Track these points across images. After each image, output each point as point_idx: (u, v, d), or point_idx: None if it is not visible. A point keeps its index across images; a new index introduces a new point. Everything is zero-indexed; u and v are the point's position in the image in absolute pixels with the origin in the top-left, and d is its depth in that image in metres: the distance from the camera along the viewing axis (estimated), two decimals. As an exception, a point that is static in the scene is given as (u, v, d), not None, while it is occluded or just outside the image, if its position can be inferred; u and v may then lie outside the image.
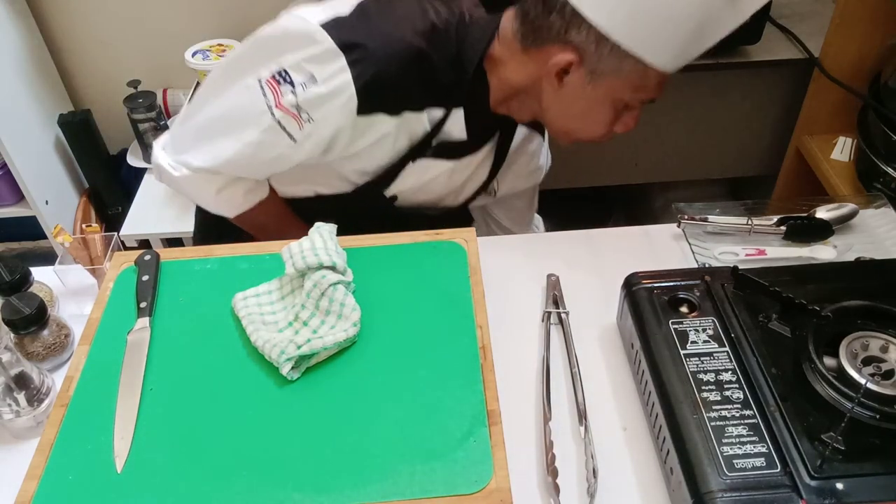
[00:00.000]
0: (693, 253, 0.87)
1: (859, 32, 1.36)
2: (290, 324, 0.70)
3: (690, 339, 0.69)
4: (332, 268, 0.72)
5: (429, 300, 0.74)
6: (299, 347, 0.66)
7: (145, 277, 0.76)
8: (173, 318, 0.74)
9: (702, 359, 0.67)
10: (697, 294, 0.73)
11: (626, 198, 1.99)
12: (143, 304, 0.73)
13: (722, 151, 1.69)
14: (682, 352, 0.68)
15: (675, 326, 0.70)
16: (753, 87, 1.57)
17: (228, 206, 0.92)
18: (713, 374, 0.66)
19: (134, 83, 1.70)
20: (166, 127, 1.72)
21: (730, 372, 0.66)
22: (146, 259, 0.78)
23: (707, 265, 0.84)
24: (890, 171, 1.26)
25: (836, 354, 0.67)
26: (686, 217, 0.91)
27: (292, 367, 0.66)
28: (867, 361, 0.67)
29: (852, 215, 0.94)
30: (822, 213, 0.94)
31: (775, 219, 0.92)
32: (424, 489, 0.59)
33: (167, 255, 0.80)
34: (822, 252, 0.88)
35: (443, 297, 0.74)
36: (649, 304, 0.73)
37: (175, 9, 1.73)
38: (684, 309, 0.72)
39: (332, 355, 0.69)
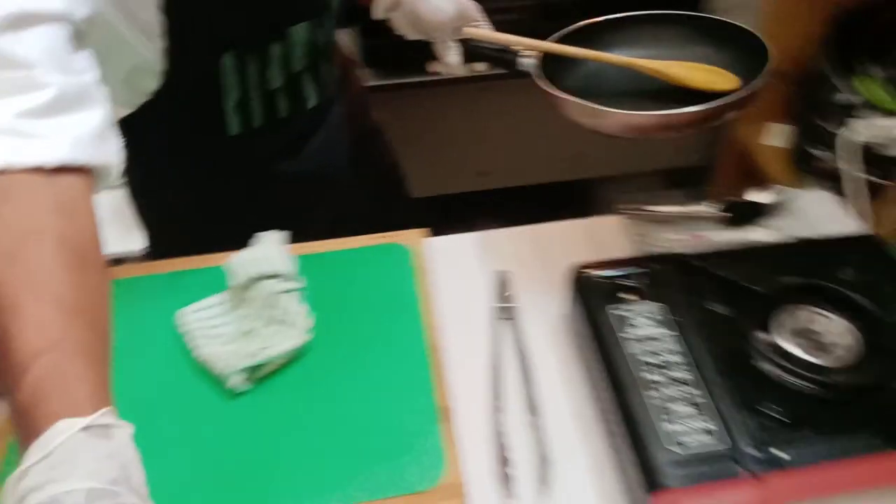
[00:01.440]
0: (635, 242, 0.89)
1: (790, 22, 1.41)
2: (239, 335, 0.70)
3: (634, 323, 0.71)
4: (281, 276, 0.71)
5: (377, 303, 0.75)
6: (249, 359, 0.65)
7: (86, 297, 0.74)
8: (118, 338, 0.71)
9: (646, 342, 0.69)
10: (640, 280, 0.75)
11: (570, 194, 2.03)
12: (84, 326, 0.72)
13: (662, 143, 1.74)
14: (626, 337, 0.70)
15: (620, 313, 0.72)
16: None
17: None
18: (657, 356, 0.68)
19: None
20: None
21: (673, 353, 0.68)
22: (86, 279, 0.76)
23: (650, 253, 0.86)
24: (821, 153, 1.31)
25: (774, 330, 0.69)
26: (628, 208, 0.93)
27: (243, 379, 0.66)
28: (801, 334, 0.70)
29: (787, 198, 0.97)
30: (758, 197, 0.97)
31: (714, 205, 0.94)
32: (379, 490, 0.59)
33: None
34: (759, 234, 0.91)
35: (391, 299, 0.75)
36: (595, 292, 0.74)
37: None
38: (629, 295, 0.74)
39: (284, 364, 0.69)
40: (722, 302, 0.73)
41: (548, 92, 0.77)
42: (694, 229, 0.92)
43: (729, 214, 0.93)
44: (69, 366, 0.44)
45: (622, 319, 0.71)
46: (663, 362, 0.67)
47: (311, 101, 0.88)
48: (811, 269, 0.75)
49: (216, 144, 0.84)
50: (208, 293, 0.75)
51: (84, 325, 0.46)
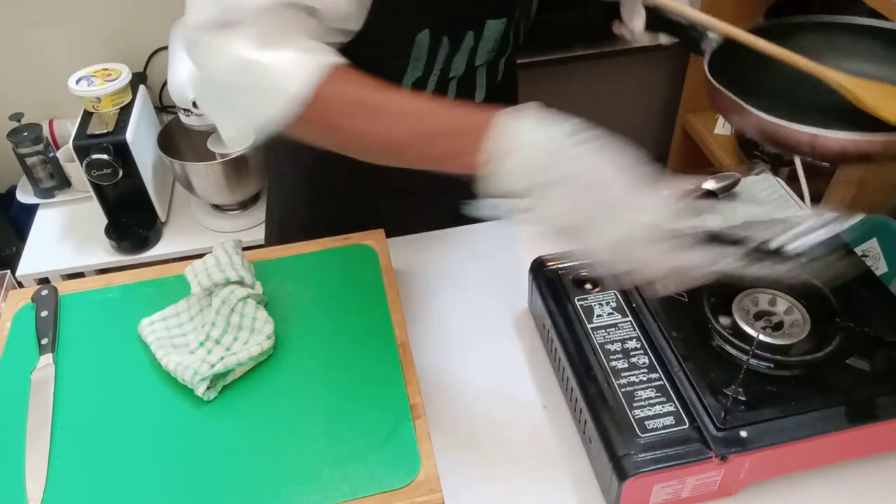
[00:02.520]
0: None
1: (728, 14, 1.44)
2: (201, 344, 0.69)
3: (595, 313, 0.73)
4: (240, 282, 0.71)
5: (344, 305, 0.75)
6: (213, 366, 0.65)
7: (44, 313, 0.73)
8: (78, 351, 0.71)
9: (607, 330, 0.71)
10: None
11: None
12: (44, 341, 0.71)
13: (622, 134, 1.77)
14: (588, 326, 0.71)
15: (581, 303, 0.73)
16: (637, 71, 1.65)
17: (285, 83, 0.59)
18: (619, 344, 0.69)
19: (16, 116, 1.62)
20: (56, 159, 1.65)
21: (634, 340, 0.70)
22: (43, 294, 0.75)
23: None
24: (766, 140, 1.34)
25: (731, 313, 0.71)
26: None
27: (208, 387, 0.66)
28: (759, 316, 0.72)
29: (736, 183, 1.00)
30: (709, 184, 0.99)
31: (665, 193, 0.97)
32: (355, 490, 0.59)
33: (66, 287, 0.77)
34: (710, 220, 0.93)
35: (357, 300, 0.75)
36: (555, 284, 0.76)
37: (54, 38, 1.66)
38: (588, 286, 0.76)
39: (250, 369, 0.69)
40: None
41: (717, 91, 0.66)
42: (649, 218, 0.94)
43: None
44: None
45: (588, 310, 0.73)
46: (626, 349, 0.69)
47: (479, 96, 0.88)
48: (762, 251, 0.76)
49: None
50: (169, 302, 0.74)
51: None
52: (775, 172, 1.06)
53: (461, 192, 1.02)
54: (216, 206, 1.67)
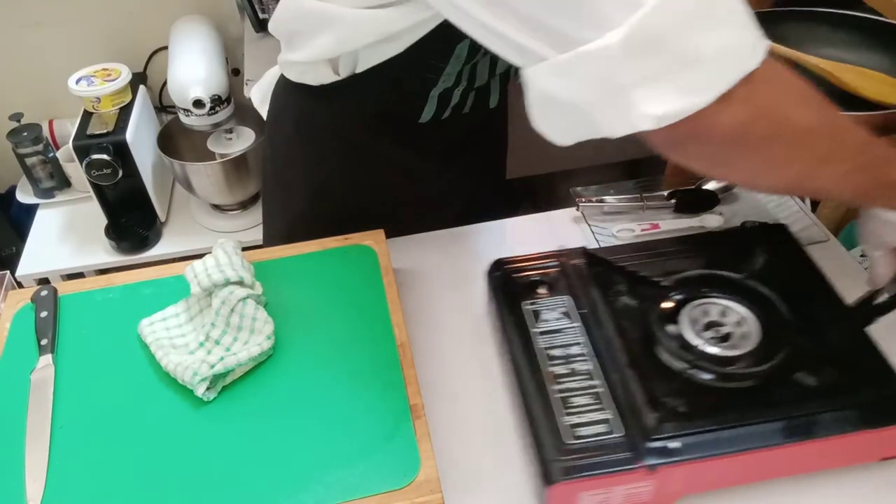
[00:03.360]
0: (593, 233, 0.91)
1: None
2: (201, 344, 0.69)
3: (544, 317, 0.71)
4: (240, 283, 0.71)
5: (343, 305, 0.75)
6: (213, 367, 0.65)
7: (44, 314, 0.73)
8: (78, 352, 0.71)
9: (553, 335, 0.69)
10: (554, 275, 0.75)
11: (531, 188, 2.05)
12: (43, 342, 0.71)
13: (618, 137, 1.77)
14: (535, 330, 0.70)
15: (531, 307, 0.72)
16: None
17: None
18: (563, 349, 0.68)
19: (16, 116, 1.62)
20: (56, 159, 1.65)
21: (579, 345, 0.68)
22: (43, 295, 0.75)
23: (562, 248, 0.87)
24: (767, 140, 1.34)
25: (676, 321, 0.70)
26: (583, 200, 0.95)
27: (207, 388, 0.66)
28: (708, 326, 0.70)
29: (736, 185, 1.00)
30: (709, 184, 1.00)
31: (666, 193, 0.97)
32: (355, 490, 0.59)
33: (65, 288, 0.77)
34: (711, 220, 0.93)
35: (357, 300, 0.75)
36: (509, 287, 0.74)
37: (54, 38, 1.66)
38: (542, 290, 0.74)
39: (250, 370, 0.69)
40: (631, 295, 0.74)
41: None
42: (648, 219, 0.95)
43: (681, 203, 0.95)
44: None
45: (535, 314, 0.71)
46: (568, 355, 0.67)
47: (493, 102, 0.87)
48: (720, 261, 0.75)
49: (403, 131, 0.84)
50: (170, 302, 0.74)
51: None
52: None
53: (463, 196, 1.02)
54: (216, 206, 1.67)
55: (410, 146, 0.88)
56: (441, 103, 0.82)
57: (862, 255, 1.13)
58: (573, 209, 0.96)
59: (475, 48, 0.72)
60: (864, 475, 0.66)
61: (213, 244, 0.76)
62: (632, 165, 1.97)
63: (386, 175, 0.90)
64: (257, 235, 1.64)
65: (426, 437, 0.63)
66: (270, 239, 1.10)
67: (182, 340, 0.71)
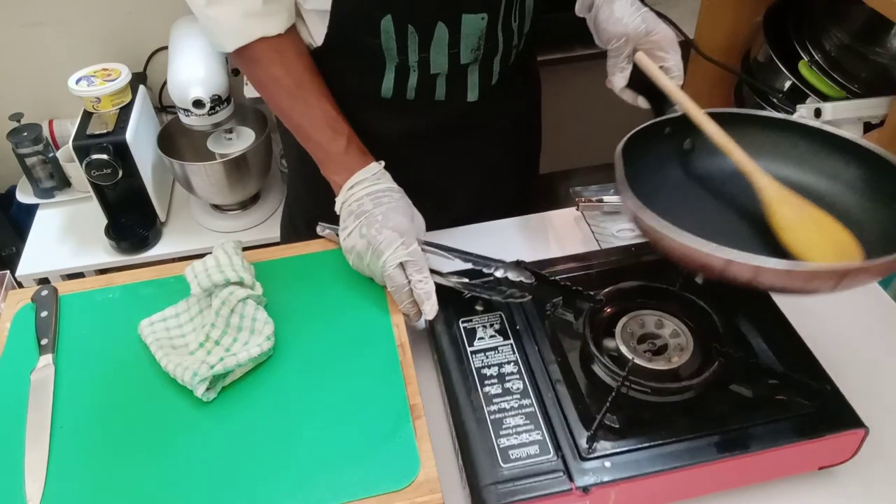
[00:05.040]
0: (592, 233, 0.91)
1: (728, 13, 1.45)
2: (201, 344, 0.69)
3: (478, 335, 0.70)
4: (240, 283, 0.71)
5: (343, 305, 0.75)
6: (212, 367, 0.65)
7: (44, 313, 0.73)
8: (78, 352, 0.71)
9: (487, 354, 0.68)
10: (486, 290, 0.73)
11: (531, 189, 2.05)
12: (44, 342, 0.71)
13: (618, 135, 1.77)
14: (468, 349, 0.68)
15: (465, 325, 0.71)
16: (637, 72, 1.64)
17: (222, 31, 0.77)
18: (496, 368, 0.66)
19: (16, 116, 1.62)
20: (56, 159, 1.66)
21: (512, 364, 0.67)
22: (43, 294, 0.75)
23: (608, 244, 0.87)
24: (767, 139, 1.34)
25: (611, 335, 0.68)
26: (583, 200, 0.95)
27: (207, 388, 0.66)
28: (643, 339, 0.69)
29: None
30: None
31: (666, 193, 0.97)
32: (355, 491, 0.59)
33: (66, 288, 0.77)
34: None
35: (357, 300, 0.75)
36: (443, 305, 0.72)
37: (54, 38, 1.66)
38: (477, 307, 0.73)
39: (250, 370, 0.69)
40: (566, 309, 0.73)
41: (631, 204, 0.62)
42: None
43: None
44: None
45: (472, 332, 0.70)
46: (501, 374, 0.66)
47: (471, 96, 0.88)
48: (659, 273, 0.73)
49: (365, 104, 0.87)
50: (170, 303, 0.74)
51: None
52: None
53: (466, 195, 1.02)
54: (216, 206, 1.67)
55: (391, 125, 0.89)
56: (399, 84, 0.84)
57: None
58: (573, 209, 0.96)
59: (401, 24, 0.78)
60: (804, 485, 0.65)
61: (214, 244, 0.76)
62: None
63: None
64: (257, 235, 1.64)
65: (426, 437, 0.63)
66: (284, 234, 1.12)
67: (182, 341, 0.71)
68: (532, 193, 1.16)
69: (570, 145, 1.80)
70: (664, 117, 0.74)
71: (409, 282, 0.71)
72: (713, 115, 0.72)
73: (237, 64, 0.83)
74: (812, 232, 0.63)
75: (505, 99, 0.93)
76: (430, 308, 0.70)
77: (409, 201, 0.78)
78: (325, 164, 0.81)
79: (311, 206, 0.98)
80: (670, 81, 0.77)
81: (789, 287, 0.56)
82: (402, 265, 0.71)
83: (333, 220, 0.81)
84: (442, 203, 0.96)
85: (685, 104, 0.73)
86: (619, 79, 0.82)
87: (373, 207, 0.74)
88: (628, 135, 0.70)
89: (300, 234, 1.02)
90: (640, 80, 0.81)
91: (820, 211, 0.65)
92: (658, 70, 0.78)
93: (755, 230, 0.66)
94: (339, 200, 0.78)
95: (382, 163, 0.80)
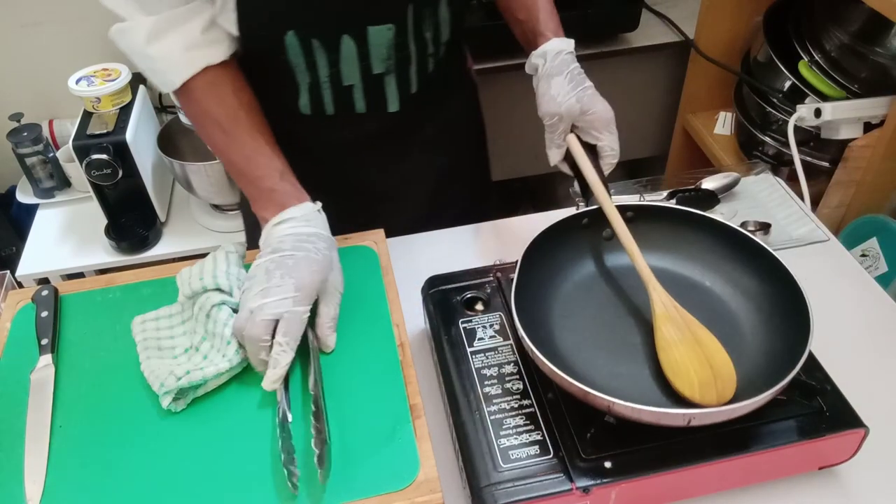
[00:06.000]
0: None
1: (728, 13, 1.45)
2: (186, 350, 0.69)
3: (478, 336, 0.69)
4: (217, 289, 0.70)
5: (343, 305, 0.74)
6: (179, 379, 0.64)
7: (44, 313, 0.73)
8: (78, 352, 0.71)
9: (486, 354, 0.68)
10: (488, 291, 0.73)
11: (531, 189, 2.05)
12: (44, 342, 0.71)
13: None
14: (468, 350, 0.68)
15: (465, 325, 0.70)
16: (637, 71, 1.64)
17: (167, 69, 0.75)
18: (496, 369, 0.66)
19: (16, 116, 1.62)
20: (56, 159, 1.65)
21: (512, 364, 0.67)
22: (44, 294, 0.75)
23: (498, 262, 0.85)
24: (766, 139, 1.35)
25: None
26: (582, 200, 0.94)
27: (175, 398, 0.65)
28: None
29: (736, 183, 1.00)
30: (709, 183, 1.00)
31: (666, 193, 0.97)
32: (355, 491, 0.59)
33: (66, 288, 0.77)
34: (711, 220, 0.93)
35: (358, 300, 0.75)
36: (443, 306, 0.73)
37: (54, 38, 1.66)
38: (477, 307, 0.73)
39: (250, 370, 0.69)
40: None
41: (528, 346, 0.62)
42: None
43: (681, 202, 0.95)
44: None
45: (471, 333, 0.70)
46: (500, 374, 0.66)
47: (392, 106, 0.88)
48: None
49: (291, 120, 0.86)
50: (169, 303, 0.74)
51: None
52: (775, 172, 1.06)
53: (416, 199, 1.02)
54: (216, 206, 1.67)
55: (321, 138, 0.89)
56: (315, 99, 0.84)
57: (862, 255, 1.13)
58: (572, 209, 0.96)
59: (305, 39, 0.78)
60: (804, 485, 0.66)
61: (214, 245, 0.75)
62: (632, 165, 1.97)
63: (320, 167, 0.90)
64: (257, 235, 1.64)
65: (426, 437, 0.62)
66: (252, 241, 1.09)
67: (169, 343, 0.70)
68: (490, 196, 1.15)
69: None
70: (580, 210, 0.76)
71: (272, 341, 0.65)
72: (631, 208, 0.74)
73: (179, 99, 0.79)
74: (684, 356, 0.63)
75: (430, 107, 0.93)
76: (273, 378, 0.65)
77: (334, 255, 0.73)
78: (256, 200, 0.75)
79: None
80: (592, 171, 0.77)
81: (643, 420, 0.58)
82: (276, 322, 0.66)
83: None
84: (396, 207, 0.96)
85: (599, 196, 0.74)
86: (554, 154, 0.82)
87: (290, 251, 0.68)
88: (539, 232, 0.71)
89: None
90: (567, 157, 0.82)
91: (704, 332, 0.65)
92: (584, 157, 0.78)
93: (649, 338, 0.67)
94: (262, 237, 0.72)
95: (319, 204, 0.74)
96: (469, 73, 1.04)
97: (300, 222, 0.71)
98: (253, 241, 1.06)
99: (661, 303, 0.67)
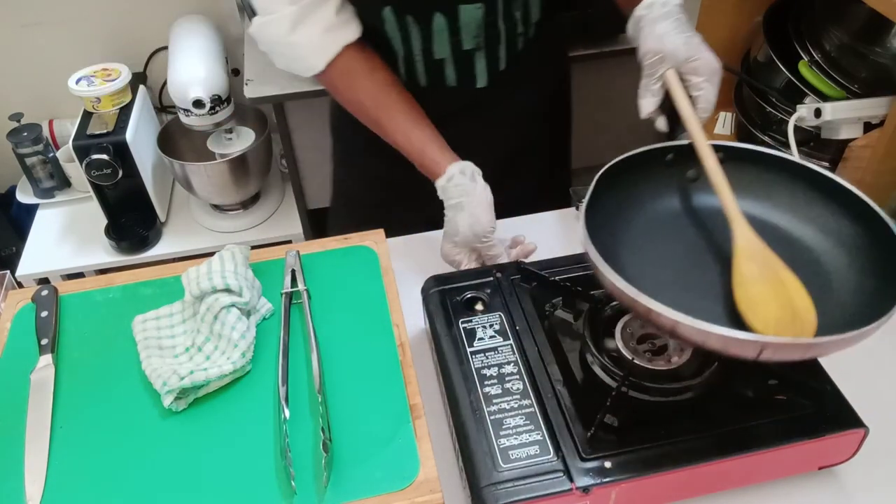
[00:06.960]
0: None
1: (727, 13, 1.45)
2: (187, 349, 0.69)
3: (478, 336, 0.69)
4: (227, 290, 0.70)
5: (344, 305, 0.75)
6: (182, 379, 0.64)
7: (44, 313, 0.73)
8: (78, 351, 0.71)
9: (487, 354, 0.68)
10: (488, 291, 0.73)
11: (561, 182, 2.05)
12: (44, 342, 0.71)
13: (618, 135, 1.77)
14: (468, 350, 0.68)
15: (465, 325, 0.70)
16: (637, 72, 1.64)
17: (310, 54, 0.83)
18: (496, 369, 0.66)
19: (16, 116, 1.62)
20: (56, 159, 1.65)
21: (512, 364, 0.66)
22: (44, 294, 0.75)
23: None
24: (766, 139, 1.35)
25: (611, 336, 0.68)
26: (583, 200, 0.94)
27: (177, 398, 0.65)
28: (643, 339, 0.68)
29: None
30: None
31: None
32: (356, 491, 0.59)
33: (66, 288, 0.77)
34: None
35: (358, 300, 0.75)
36: (443, 306, 0.72)
37: (54, 38, 1.66)
38: (477, 307, 0.72)
39: (250, 370, 0.69)
40: (566, 309, 0.72)
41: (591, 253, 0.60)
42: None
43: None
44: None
45: (471, 333, 0.70)
46: (500, 374, 0.66)
47: (480, 82, 0.92)
48: None
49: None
50: (169, 303, 0.74)
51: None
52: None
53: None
54: (216, 206, 1.67)
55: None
56: (409, 71, 0.90)
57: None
58: (573, 209, 0.96)
59: (401, 15, 0.83)
60: (804, 485, 0.66)
61: (214, 245, 0.75)
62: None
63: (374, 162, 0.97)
64: (258, 235, 1.64)
65: (426, 437, 0.63)
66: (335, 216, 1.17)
67: (170, 342, 0.70)
68: (566, 180, 1.20)
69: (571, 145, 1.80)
70: (666, 144, 0.71)
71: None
72: (723, 149, 0.69)
73: (325, 86, 0.88)
74: (764, 294, 0.60)
75: (516, 85, 0.96)
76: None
77: (488, 194, 0.83)
78: (422, 166, 0.85)
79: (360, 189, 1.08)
80: (689, 106, 0.72)
81: (708, 345, 0.55)
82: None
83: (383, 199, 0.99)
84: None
85: (693, 132, 0.70)
86: (647, 102, 0.77)
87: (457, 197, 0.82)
88: (620, 157, 0.68)
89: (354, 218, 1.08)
90: (667, 107, 0.76)
91: (787, 274, 0.62)
92: (682, 93, 0.73)
93: (725, 277, 0.64)
94: (439, 191, 0.84)
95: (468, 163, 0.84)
96: (564, 55, 1.09)
97: (461, 177, 0.82)
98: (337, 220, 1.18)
99: (745, 237, 0.63)
